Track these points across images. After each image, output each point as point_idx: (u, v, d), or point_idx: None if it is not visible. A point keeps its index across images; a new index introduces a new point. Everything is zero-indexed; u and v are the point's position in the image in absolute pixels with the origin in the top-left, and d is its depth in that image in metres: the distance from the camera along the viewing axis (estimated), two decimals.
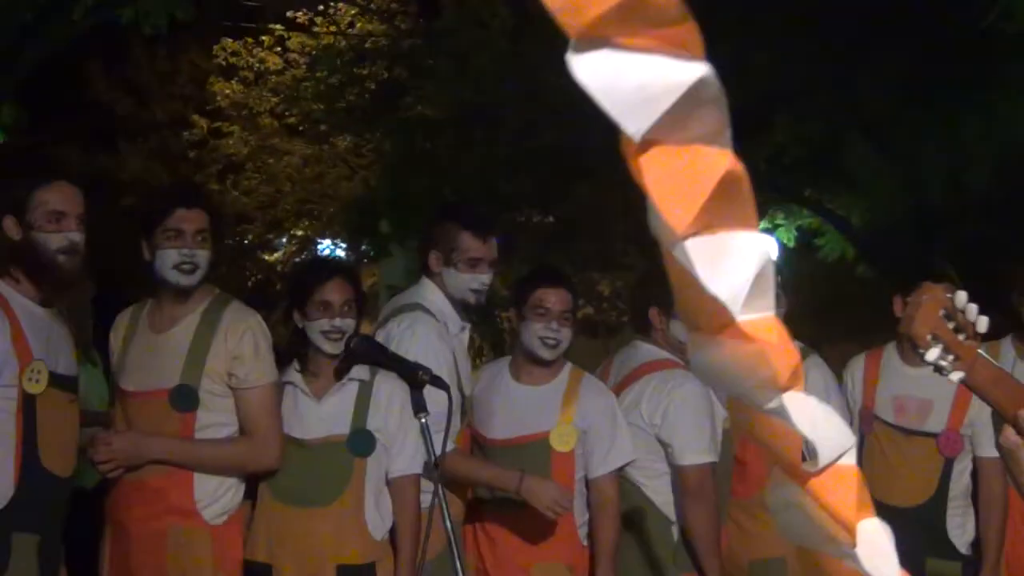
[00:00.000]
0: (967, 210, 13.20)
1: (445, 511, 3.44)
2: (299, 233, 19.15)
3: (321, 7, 17.16)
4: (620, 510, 4.75)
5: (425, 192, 13.52)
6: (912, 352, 5.15)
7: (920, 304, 2.57)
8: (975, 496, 5.22)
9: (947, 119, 12.67)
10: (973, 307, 2.55)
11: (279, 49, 18.06)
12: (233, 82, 18.21)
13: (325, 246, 20.52)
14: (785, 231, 18.49)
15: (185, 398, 4.28)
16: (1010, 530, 5.05)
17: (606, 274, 19.36)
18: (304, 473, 4.37)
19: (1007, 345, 5.19)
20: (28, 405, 3.93)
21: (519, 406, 4.76)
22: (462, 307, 4.86)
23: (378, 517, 4.40)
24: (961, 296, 2.56)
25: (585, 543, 4.79)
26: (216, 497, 4.32)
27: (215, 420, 4.32)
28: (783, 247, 18.29)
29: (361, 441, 4.38)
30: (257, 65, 18.07)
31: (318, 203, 18.75)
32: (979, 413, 5.13)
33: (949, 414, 5.12)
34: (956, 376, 2.56)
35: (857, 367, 5.31)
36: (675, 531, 4.88)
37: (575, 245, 16.60)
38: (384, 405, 4.40)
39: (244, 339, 4.31)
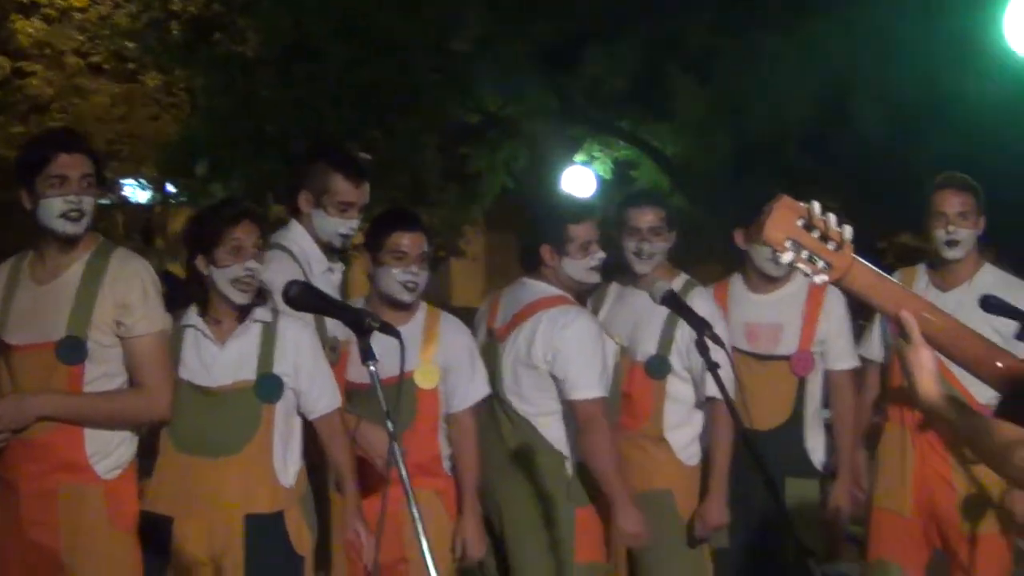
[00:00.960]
0: (785, 142, 13.48)
1: (401, 464, 3.38)
2: (107, 176, 18.63)
3: None
4: (478, 441, 4.78)
5: (244, 131, 13.26)
6: (757, 279, 5.33)
7: (772, 210, 2.68)
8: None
9: (765, 52, 12.91)
10: (832, 216, 2.66)
11: None
12: (35, 20, 17.53)
13: (133, 186, 20.06)
14: (601, 163, 18.71)
15: (73, 350, 4.12)
16: (929, 468, 5.16)
17: (422, 209, 19.32)
18: (210, 422, 4.26)
19: (921, 271, 5.31)
20: None
21: (380, 349, 4.73)
22: (327, 249, 4.80)
23: (285, 464, 4.32)
24: (815, 205, 2.68)
25: (451, 475, 4.80)
26: (108, 451, 4.19)
27: (104, 371, 4.18)
28: (600, 179, 18.52)
29: (269, 386, 4.28)
30: (60, 2, 17.42)
31: (127, 143, 18.24)
32: (829, 329, 5.30)
33: (799, 335, 5.27)
34: (820, 279, 2.71)
35: None
36: (568, 466, 4.91)
37: (392, 180, 16.53)
38: (292, 349, 4.31)
39: (132, 286, 4.17)
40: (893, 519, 5.19)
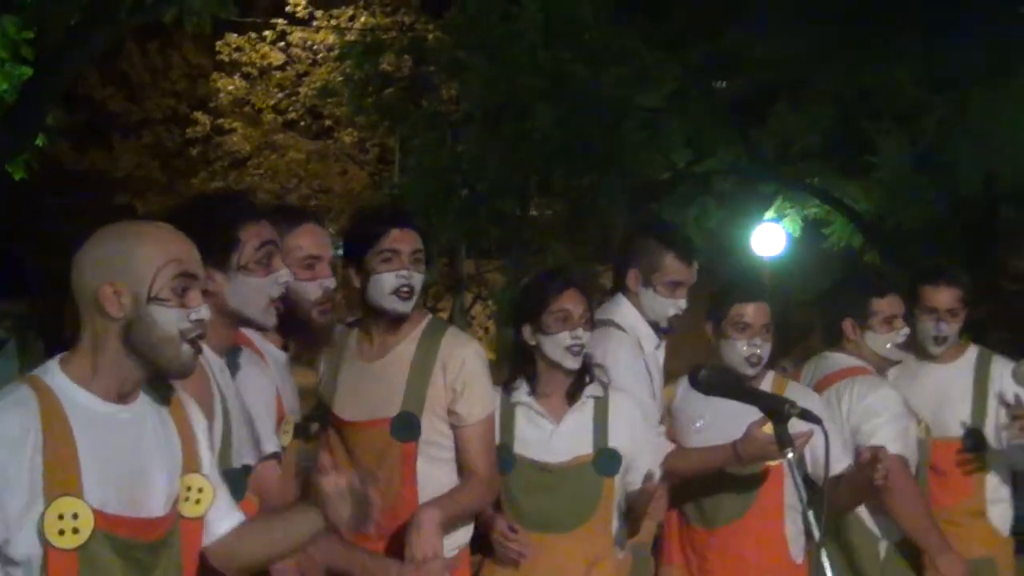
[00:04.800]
0: (998, 200, 13.25)
1: None
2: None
3: None
4: None
5: (454, 188, 13.44)
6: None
7: None
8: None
9: (980, 108, 12.73)
10: None
11: (282, 44, 17.85)
12: (236, 78, 17.98)
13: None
14: (791, 220, 18.52)
15: (407, 427, 4.11)
16: None
17: (610, 265, 19.34)
18: (552, 498, 4.25)
19: None
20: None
21: (717, 418, 4.67)
22: (655, 328, 4.73)
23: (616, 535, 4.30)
24: None
25: (799, 560, 4.67)
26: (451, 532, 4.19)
27: (434, 451, 4.17)
28: (790, 236, 18.32)
29: (607, 461, 4.26)
30: (259, 61, 17.85)
31: (321, 198, 18.59)
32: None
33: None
34: None
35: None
36: (882, 548, 4.79)
37: (584, 236, 16.61)
38: (625, 423, 4.29)
39: (464, 370, 4.16)
40: None
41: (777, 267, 18.18)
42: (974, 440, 4.94)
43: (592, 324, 4.28)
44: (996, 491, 5.01)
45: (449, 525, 4.01)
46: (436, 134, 13.91)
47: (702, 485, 4.53)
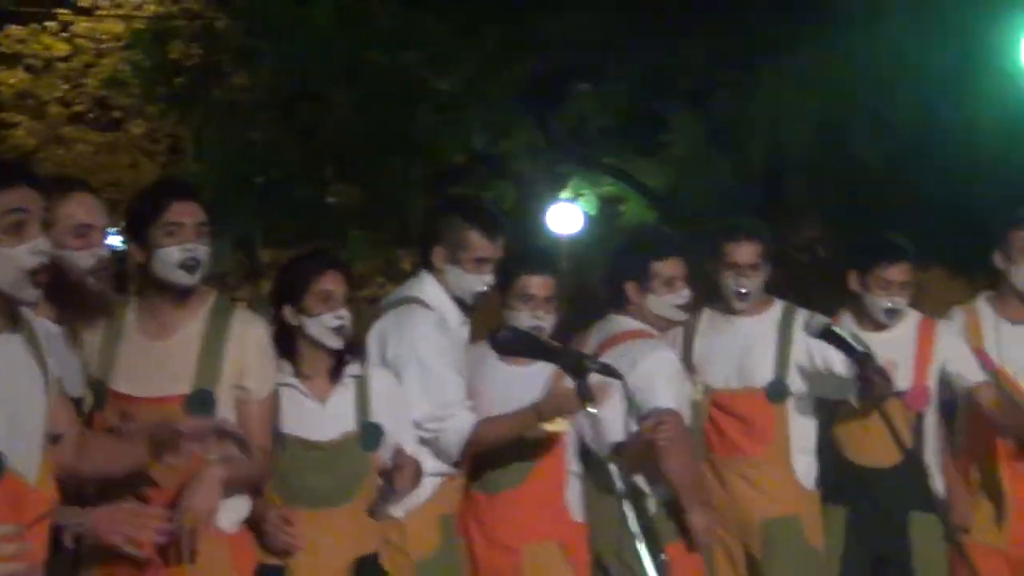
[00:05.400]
0: (783, 173, 13.59)
1: None
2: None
3: None
4: None
5: (246, 176, 13.28)
6: (868, 321, 5.31)
7: None
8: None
9: (763, 82, 13.01)
10: None
11: (66, 34, 17.38)
12: (19, 70, 17.45)
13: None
14: (587, 200, 18.75)
15: (203, 404, 4.04)
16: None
17: (409, 248, 19.32)
18: (321, 475, 4.26)
19: (984, 306, 5.34)
20: None
21: (508, 387, 4.71)
22: (460, 305, 4.74)
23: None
24: None
25: (579, 519, 4.75)
26: (230, 505, 4.14)
27: None
28: (586, 215, 18.56)
29: (370, 436, 4.30)
30: (43, 52, 17.36)
31: (110, 191, 18.15)
32: (951, 355, 5.24)
33: (913, 369, 5.24)
34: None
35: None
36: (651, 504, 4.87)
37: (380, 222, 16.56)
38: (385, 398, 4.34)
39: (255, 349, 4.12)
40: (992, 555, 5.21)
41: (575, 246, 18.40)
42: (776, 390, 5.07)
43: (353, 304, 4.32)
44: (800, 441, 5.13)
45: (230, 488, 3.97)
46: (229, 123, 13.71)
47: (484, 452, 4.60)
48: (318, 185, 14.60)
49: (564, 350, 3.70)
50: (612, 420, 4.65)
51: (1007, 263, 5.26)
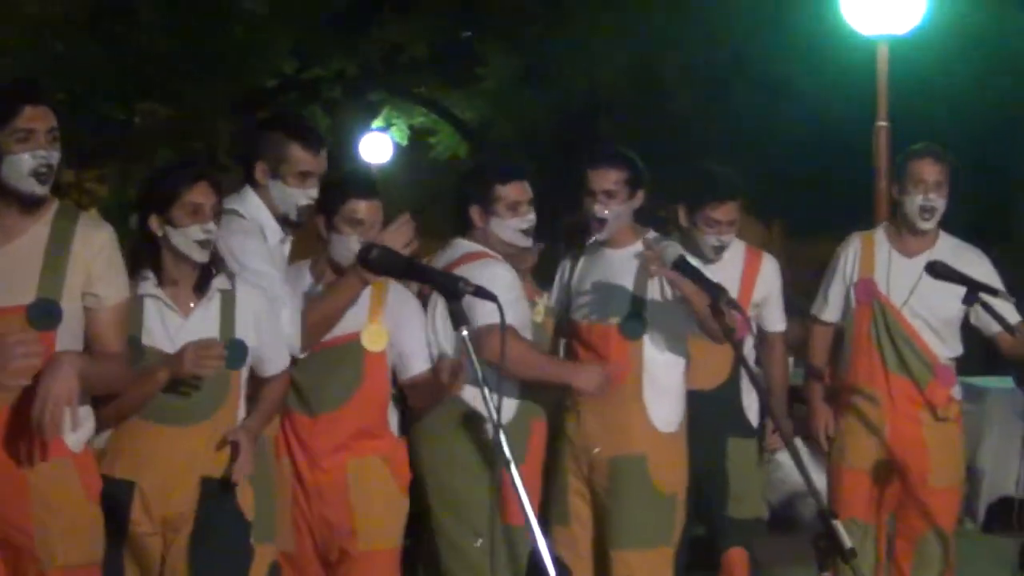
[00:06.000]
0: (597, 111, 13.74)
1: None
2: None
3: None
4: None
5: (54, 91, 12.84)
6: (695, 252, 5.38)
7: None
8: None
9: (577, 17, 13.10)
10: None
11: None
12: None
13: None
14: (398, 130, 18.69)
15: (46, 314, 3.90)
16: (902, 428, 5.39)
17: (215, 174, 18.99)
18: (180, 390, 4.16)
19: (881, 238, 5.49)
20: None
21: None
22: (282, 221, 4.69)
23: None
24: None
25: (399, 435, 4.78)
26: (78, 424, 4.03)
27: (72, 339, 4.00)
28: (397, 145, 18.50)
29: (234, 353, 4.21)
30: None
31: None
32: (767, 294, 5.42)
33: (736, 297, 5.32)
34: None
35: None
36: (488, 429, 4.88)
37: (184, 143, 16.27)
38: (252, 314, 4.25)
39: (102, 254, 4.00)
40: (863, 479, 5.40)
41: (384, 175, 18.34)
42: (631, 327, 5.04)
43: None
44: (657, 381, 5.07)
45: (86, 384, 3.85)
46: (34, 33, 13.24)
47: (305, 373, 4.57)
48: (124, 102, 14.20)
49: (439, 272, 3.68)
50: (415, 351, 4.72)
51: (901, 195, 5.38)
